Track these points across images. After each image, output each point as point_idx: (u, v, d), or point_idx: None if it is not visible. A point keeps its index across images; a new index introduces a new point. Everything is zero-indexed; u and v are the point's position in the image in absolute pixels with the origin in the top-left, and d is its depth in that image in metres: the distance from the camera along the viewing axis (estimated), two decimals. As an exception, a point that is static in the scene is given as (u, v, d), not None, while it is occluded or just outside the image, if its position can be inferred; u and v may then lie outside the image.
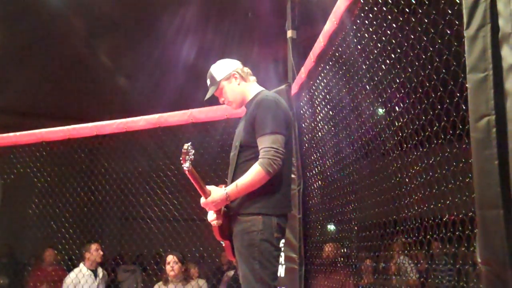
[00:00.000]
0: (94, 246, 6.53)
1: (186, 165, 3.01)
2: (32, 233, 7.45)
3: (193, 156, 3.02)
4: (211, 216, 3.25)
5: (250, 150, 3.21)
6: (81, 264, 6.49)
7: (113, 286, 7.39)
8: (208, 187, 3.17)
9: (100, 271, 6.60)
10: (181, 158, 3.02)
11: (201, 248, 6.58)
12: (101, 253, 6.59)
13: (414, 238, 3.09)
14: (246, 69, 3.51)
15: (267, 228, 3.11)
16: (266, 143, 3.10)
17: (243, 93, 3.44)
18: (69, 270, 6.65)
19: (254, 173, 3.07)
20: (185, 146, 3.01)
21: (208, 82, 3.50)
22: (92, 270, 6.47)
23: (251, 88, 3.46)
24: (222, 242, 3.38)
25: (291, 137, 3.46)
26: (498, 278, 1.86)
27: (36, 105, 11.49)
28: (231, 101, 3.48)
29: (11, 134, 6.45)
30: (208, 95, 3.50)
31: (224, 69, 3.46)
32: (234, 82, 3.43)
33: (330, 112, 4.31)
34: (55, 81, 10.71)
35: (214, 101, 3.59)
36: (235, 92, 3.44)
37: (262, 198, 3.14)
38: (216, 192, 3.15)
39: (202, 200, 3.19)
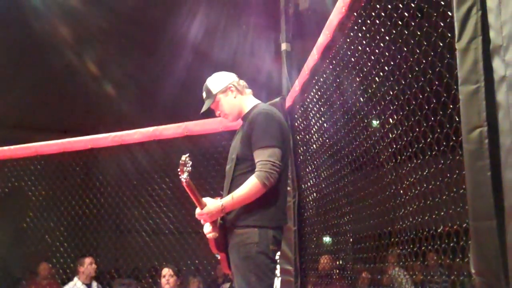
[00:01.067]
0: (87, 260, 6.49)
1: (183, 176, 3.02)
2: (27, 247, 7.41)
3: (190, 168, 3.03)
4: (207, 229, 3.25)
5: (247, 163, 3.22)
6: (75, 278, 6.45)
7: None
8: (204, 199, 3.18)
9: (94, 285, 6.56)
10: (178, 170, 3.03)
11: (197, 261, 6.56)
12: (95, 266, 6.55)
13: (409, 250, 3.09)
14: (242, 82, 3.52)
15: (263, 240, 3.11)
16: (263, 156, 3.11)
17: (239, 106, 3.45)
18: (64, 284, 6.62)
19: (250, 186, 3.07)
20: (183, 157, 3.02)
21: (204, 95, 3.51)
22: (86, 285, 6.43)
23: (247, 101, 3.47)
24: (217, 255, 3.38)
25: (288, 151, 3.46)
26: (492, 288, 1.86)
27: (31, 119, 11.48)
28: (227, 114, 3.49)
29: (5, 147, 6.44)
30: (204, 108, 3.51)
31: (220, 82, 3.47)
32: (231, 95, 3.45)
33: (324, 125, 4.33)
34: (49, 94, 10.70)
35: (209, 113, 3.60)
36: (231, 105, 3.45)
37: (258, 211, 3.14)
38: (212, 204, 3.16)
39: (197, 210, 3.19)
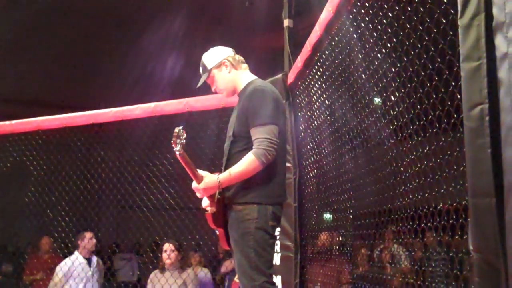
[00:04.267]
0: (88, 235, 6.53)
1: (177, 148, 3.00)
2: (29, 221, 7.46)
3: (184, 141, 3.01)
4: (205, 202, 3.26)
5: (243, 141, 3.21)
6: (76, 252, 6.50)
7: (110, 274, 7.41)
8: (201, 172, 3.18)
9: (94, 259, 6.60)
10: (172, 142, 3.01)
11: (197, 236, 6.60)
12: (95, 241, 6.59)
13: (408, 227, 3.11)
14: (238, 57, 3.50)
15: (262, 216, 3.12)
16: (260, 134, 3.10)
17: (234, 81, 3.44)
18: (66, 258, 6.66)
19: (247, 162, 3.08)
20: (176, 129, 3.00)
21: (201, 70, 3.51)
22: (86, 259, 6.47)
23: (243, 77, 3.45)
24: (216, 231, 3.39)
25: (284, 127, 3.46)
26: (490, 265, 1.87)
27: (32, 94, 11.48)
28: (222, 89, 3.48)
29: (7, 122, 6.44)
30: (199, 83, 3.51)
31: (215, 57, 3.46)
32: (225, 70, 3.43)
33: (326, 101, 4.32)
34: (51, 69, 10.69)
35: (207, 88, 3.60)
36: (225, 80, 3.44)
37: (257, 188, 3.15)
38: (209, 178, 3.16)
39: (194, 184, 3.20)
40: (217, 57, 3.46)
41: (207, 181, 3.15)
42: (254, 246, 3.10)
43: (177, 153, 3.01)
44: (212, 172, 3.27)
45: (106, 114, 6.02)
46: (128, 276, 9.90)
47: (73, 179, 6.81)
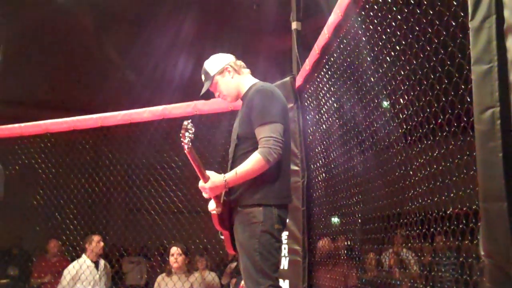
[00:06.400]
0: (95, 238, 6.52)
1: (185, 141, 2.99)
2: (37, 224, 7.47)
3: (192, 135, 3.00)
4: (212, 205, 3.25)
5: (248, 142, 3.21)
6: (83, 256, 6.50)
7: (118, 278, 7.40)
8: (208, 172, 3.17)
9: (102, 263, 6.59)
10: (180, 134, 2.99)
11: (205, 240, 6.59)
12: (103, 244, 6.58)
13: (417, 231, 3.08)
14: (239, 62, 3.51)
15: (268, 219, 3.11)
16: (265, 133, 3.10)
17: (237, 86, 3.45)
18: (73, 261, 6.67)
19: (254, 161, 3.07)
20: (185, 122, 3.00)
21: (203, 77, 3.52)
22: (94, 262, 6.47)
23: (245, 81, 3.46)
24: (221, 236, 3.38)
25: (288, 127, 3.44)
26: (501, 270, 1.85)
27: (41, 97, 11.52)
28: (225, 95, 3.49)
29: (16, 125, 6.46)
30: (203, 91, 3.51)
31: (217, 63, 3.47)
32: (228, 76, 3.44)
33: (335, 105, 4.30)
34: (60, 73, 10.72)
35: (210, 95, 3.59)
36: (229, 86, 3.45)
37: (262, 188, 3.13)
38: (215, 177, 3.15)
39: (201, 183, 3.19)
40: (219, 64, 3.47)
41: (214, 180, 3.14)
42: (259, 249, 3.08)
43: (185, 147, 3.00)
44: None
45: (115, 117, 6.02)
46: (136, 280, 9.90)
47: (82, 182, 6.81)
